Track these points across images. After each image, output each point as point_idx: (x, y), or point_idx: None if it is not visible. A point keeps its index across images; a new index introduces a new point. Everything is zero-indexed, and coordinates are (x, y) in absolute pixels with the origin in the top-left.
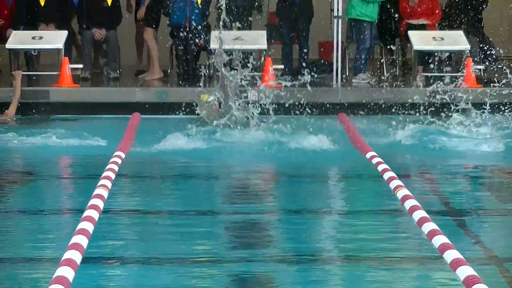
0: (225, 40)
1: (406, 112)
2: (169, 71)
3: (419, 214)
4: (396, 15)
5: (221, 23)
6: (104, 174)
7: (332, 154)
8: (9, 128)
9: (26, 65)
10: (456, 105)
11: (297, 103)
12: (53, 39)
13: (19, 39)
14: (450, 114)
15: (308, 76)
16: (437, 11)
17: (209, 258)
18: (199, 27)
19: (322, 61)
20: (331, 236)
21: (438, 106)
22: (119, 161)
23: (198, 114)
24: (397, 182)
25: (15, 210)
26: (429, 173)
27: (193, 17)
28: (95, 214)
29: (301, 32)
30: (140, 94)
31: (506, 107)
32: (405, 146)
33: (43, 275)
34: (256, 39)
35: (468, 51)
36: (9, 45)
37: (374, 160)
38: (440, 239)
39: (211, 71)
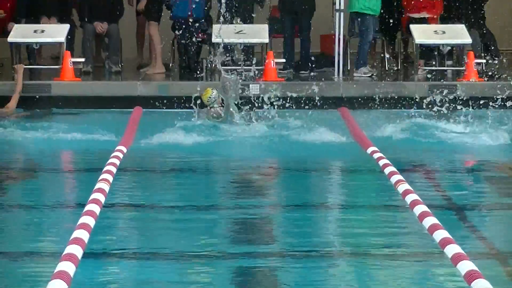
0: (226, 34)
1: (407, 106)
2: (170, 64)
3: (420, 208)
4: (398, 9)
5: (221, 19)
6: (106, 168)
7: (333, 149)
8: (11, 121)
9: (28, 58)
10: (458, 100)
11: (297, 97)
12: (55, 32)
13: (21, 33)
14: (451, 108)
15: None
16: (438, 5)
17: (210, 253)
18: (202, 20)
19: (323, 55)
20: (332, 231)
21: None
22: (121, 155)
23: (200, 107)
24: (398, 177)
25: (16, 204)
26: (430, 167)
27: (195, 11)
28: (96, 209)
29: (303, 25)
30: (142, 88)
31: (507, 101)
32: (406, 140)
33: (44, 269)
34: (258, 33)
35: (470, 44)
36: (11, 38)
37: (375, 155)
38: (441, 234)
39: (213, 65)
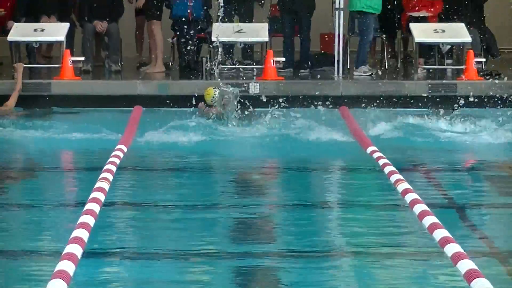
0: (226, 33)
1: (407, 104)
2: (170, 63)
3: (420, 207)
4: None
5: (219, 21)
6: (106, 167)
7: (333, 148)
8: (10, 120)
9: (27, 57)
10: (458, 98)
11: (298, 96)
12: (55, 31)
13: (21, 31)
14: (451, 107)
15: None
16: (438, 3)
17: (210, 253)
18: (202, 19)
19: (323, 54)
20: (332, 230)
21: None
22: (121, 154)
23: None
24: (397, 176)
25: (16, 203)
26: (430, 166)
27: (195, 10)
28: (96, 208)
29: (303, 24)
30: (142, 87)
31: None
32: (406, 139)
33: (44, 268)
34: (257, 32)
35: (469, 43)
36: (10, 37)
37: (375, 155)
38: (440, 233)
39: (213, 64)
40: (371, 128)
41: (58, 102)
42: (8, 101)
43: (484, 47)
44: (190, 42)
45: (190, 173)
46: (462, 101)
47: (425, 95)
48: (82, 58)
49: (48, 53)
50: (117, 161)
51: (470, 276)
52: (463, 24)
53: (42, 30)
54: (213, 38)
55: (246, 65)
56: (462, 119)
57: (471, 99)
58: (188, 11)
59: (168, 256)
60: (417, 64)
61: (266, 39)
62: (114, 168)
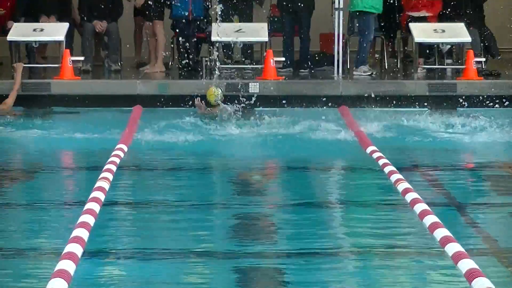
0: (226, 32)
1: (407, 104)
2: (170, 63)
3: (421, 207)
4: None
5: (218, 16)
6: (106, 166)
7: (333, 148)
8: (10, 120)
9: (27, 57)
10: (458, 98)
11: (298, 96)
12: (54, 31)
13: (20, 31)
14: (451, 106)
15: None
16: (437, 3)
17: (210, 252)
18: (202, 19)
19: (323, 53)
20: (332, 230)
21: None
22: (121, 154)
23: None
24: (397, 176)
25: (16, 202)
26: (430, 166)
27: (195, 9)
28: (96, 207)
29: (302, 24)
30: (141, 87)
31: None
32: (405, 138)
33: (44, 268)
34: (257, 31)
35: (469, 43)
36: (10, 37)
37: (375, 154)
38: (441, 232)
39: (213, 64)
40: (371, 128)
41: (58, 102)
42: (7, 99)
43: (484, 46)
44: (190, 41)
45: (190, 172)
46: (462, 101)
47: (425, 94)
48: (82, 58)
49: (43, 53)
50: (117, 160)
51: (471, 275)
52: (463, 24)
53: (42, 30)
54: (213, 38)
55: (246, 64)
56: (462, 119)
57: (471, 98)
58: (189, 11)
59: (168, 256)
60: (417, 64)
61: (266, 38)
62: (114, 168)
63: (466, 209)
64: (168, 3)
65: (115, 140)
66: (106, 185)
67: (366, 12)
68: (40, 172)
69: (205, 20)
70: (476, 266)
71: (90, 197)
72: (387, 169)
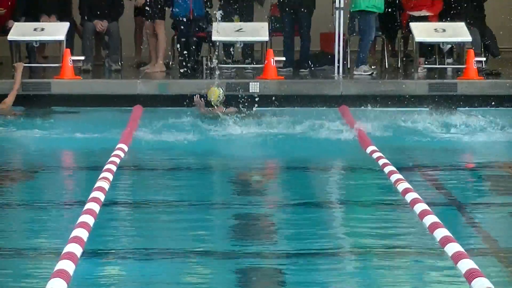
0: (226, 32)
1: (407, 104)
2: (170, 63)
3: (421, 207)
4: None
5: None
6: (106, 166)
7: (333, 147)
8: (10, 120)
9: (27, 57)
10: (458, 98)
11: (298, 95)
12: (55, 30)
13: (21, 31)
14: (451, 106)
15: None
16: (438, 3)
17: (211, 252)
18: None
19: (323, 53)
20: (332, 230)
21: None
22: (121, 153)
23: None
24: (397, 176)
25: (16, 202)
26: (430, 165)
27: (196, 9)
28: (96, 207)
29: (303, 23)
30: (142, 86)
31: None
32: (406, 138)
33: (43, 268)
34: (258, 31)
35: (470, 43)
36: (10, 36)
37: (375, 154)
38: (441, 232)
39: (213, 63)
40: (371, 128)
41: (58, 101)
42: (6, 98)
43: (484, 46)
44: (190, 41)
45: (190, 172)
46: (462, 100)
47: (426, 94)
48: (82, 58)
49: (42, 53)
50: (118, 160)
51: (470, 275)
52: (463, 24)
53: (42, 29)
54: (213, 38)
55: (246, 64)
56: (462, 118)
57: (471, 98)
58: (189, 11)
59: (168, 256)
60: (417, 64)
61: (266, 38)
62: (114, 168)
63: (466, 209)
64: (169, 2)
65: (115, 140)
66: (106, 185)
67: (367, 12)
68: (40, 172)
69: (206, 20)
70: (476, 266)
71: (90, 197)
72: (387, 169)
